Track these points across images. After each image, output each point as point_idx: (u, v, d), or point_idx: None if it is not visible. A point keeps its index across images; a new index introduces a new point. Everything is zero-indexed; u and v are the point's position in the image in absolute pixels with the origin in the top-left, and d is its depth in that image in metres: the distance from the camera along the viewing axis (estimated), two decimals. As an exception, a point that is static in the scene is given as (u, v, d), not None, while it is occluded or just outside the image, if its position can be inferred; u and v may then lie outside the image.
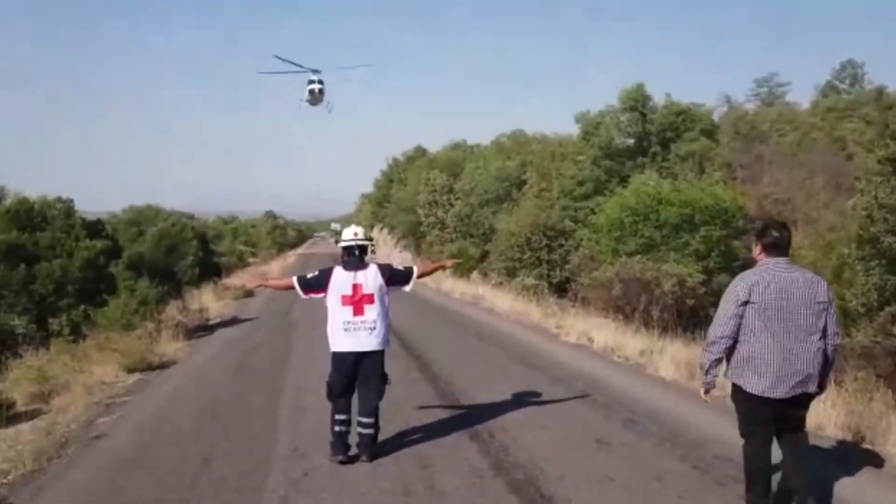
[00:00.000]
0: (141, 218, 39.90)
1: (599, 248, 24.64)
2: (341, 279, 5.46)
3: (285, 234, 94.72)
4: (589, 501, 4.62)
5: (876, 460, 5.55)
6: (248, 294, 22.48)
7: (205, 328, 14.29)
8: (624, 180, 29.30)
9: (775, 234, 4.22)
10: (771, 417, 4.19)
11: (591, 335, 12.00)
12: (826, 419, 6.40)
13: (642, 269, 18.38)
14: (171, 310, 14.86)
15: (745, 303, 4.10)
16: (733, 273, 25.64)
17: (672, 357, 9.62)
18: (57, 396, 8.36)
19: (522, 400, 7.41)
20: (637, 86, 32.01)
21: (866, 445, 5.88)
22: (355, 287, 5.43)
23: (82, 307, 18.17)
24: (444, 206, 41.80)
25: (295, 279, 5.68)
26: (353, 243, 5.55)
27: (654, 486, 4.91)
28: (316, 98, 32.57)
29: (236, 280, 25.60)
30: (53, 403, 8.09)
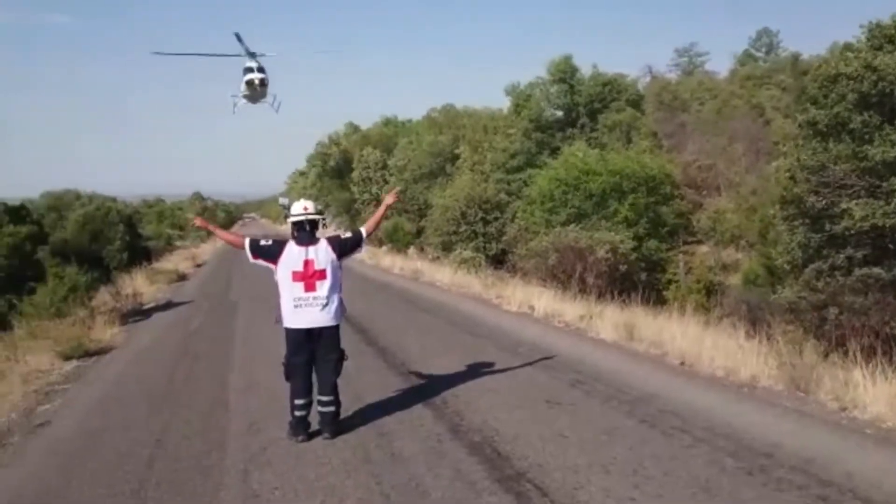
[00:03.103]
0: (60, 203, 38.06)
1: (533, 220, 25.12)
2: (293, 254, 5.34)
3: (215, 216, 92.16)
4: (545, 458, 4.80)
5: (811, 408, 5.97)
6: (182, 277, 21.95)
7: (140, 313, 13.89)
8: (554, 152, 29.87)
9: None
10: None
11: (532, 303, 12.29)
12: (760, 371, 6.83)
13: (576, 237, 18.85)
14: (103, 296, 14.37)
15: None
16: (662, 239, 26.69)
17: (610, 320, 10.01)
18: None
19: (471, 367, 7.56)
20: (565, 58, 32.53)
21: (800, 394, 6.29)
22: (307, 263, 5.31)
23: (7, 296, 17.32)
24: (378, 183, 41.57)
25: (247, 240, 5.52)
26: (303, 218, 5.42)
27: (605, 440, 5.15)
28: (257, 92, 26.41)
29: (173, 261, 24.86)
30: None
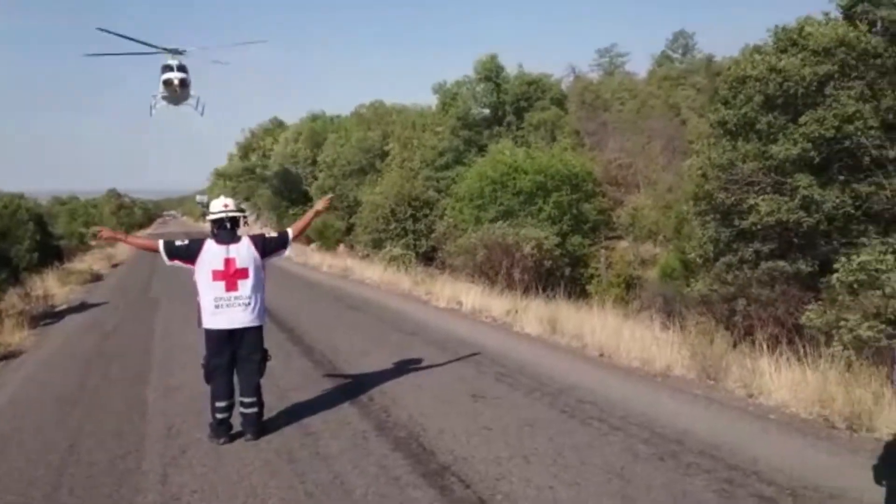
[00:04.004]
0: (-37, 200, 35.73)
1: (462, 217, 25.34)
2: (213, 253, 5.19)
3: (132, 214, 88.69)
4: (469, 450, 4.88)
5: (720, 395, 6.30)
6: (97, 278, 21.06)
7: (51, 315, 13.26)
8: (482, 150, 30.19)
9: None
10: None
11: (460, 299, 12.44)
12: (673, 361, 7.15)
13: (503, 234, 19.16)
14: (11, 298, 13.62)
15: None
16: (585, 235, 27.31)
17: (535, 314, 10.25)
18: None
19: (399, 364, 7.60)
20: (490, 56, 32.90)
21: (710, 382, 6.62)
22: (228, 261, 5.17)
23: None
24: (306, 179, 40.96)
25: (161, 243, 5.28)
26: (222, 215, 5.26)
27: (528, 432, 5.28)
28: (176, 93, 25.29)
29: (87, 261, 23.79)
30: None
